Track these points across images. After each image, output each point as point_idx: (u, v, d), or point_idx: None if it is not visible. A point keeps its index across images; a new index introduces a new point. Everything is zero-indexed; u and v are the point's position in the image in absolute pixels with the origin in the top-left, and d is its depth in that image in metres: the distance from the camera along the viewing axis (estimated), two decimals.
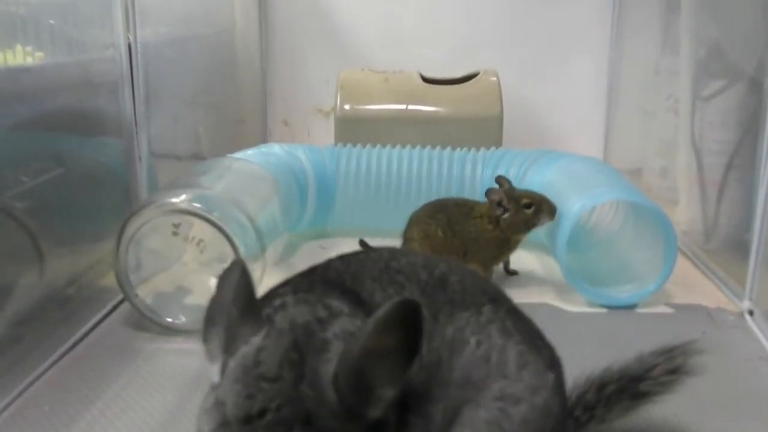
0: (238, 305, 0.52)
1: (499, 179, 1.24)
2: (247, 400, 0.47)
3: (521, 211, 1.20)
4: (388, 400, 0.49)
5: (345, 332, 0.51)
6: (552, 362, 0.63)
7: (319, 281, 0.59)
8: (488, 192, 1.22)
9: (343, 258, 0.64)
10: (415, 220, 1.26)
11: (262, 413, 0.47)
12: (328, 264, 0.63)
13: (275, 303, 0.54)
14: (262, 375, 0.48)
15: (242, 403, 0.47)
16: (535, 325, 0.65)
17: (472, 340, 0.59)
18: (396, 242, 1.31)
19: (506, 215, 1.20)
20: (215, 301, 0.53)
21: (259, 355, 0.49)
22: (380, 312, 0.47)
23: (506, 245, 1.23)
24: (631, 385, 0.71)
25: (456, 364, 0.58)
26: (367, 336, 0.47)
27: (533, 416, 0.58)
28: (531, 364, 0.60)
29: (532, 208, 1.20)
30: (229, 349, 0.51)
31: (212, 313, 0.53)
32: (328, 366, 0.48)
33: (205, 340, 0.53)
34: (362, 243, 1.32)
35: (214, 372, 0.51)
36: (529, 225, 1.21)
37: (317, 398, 0.47)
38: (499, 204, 1.20)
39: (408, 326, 0.47)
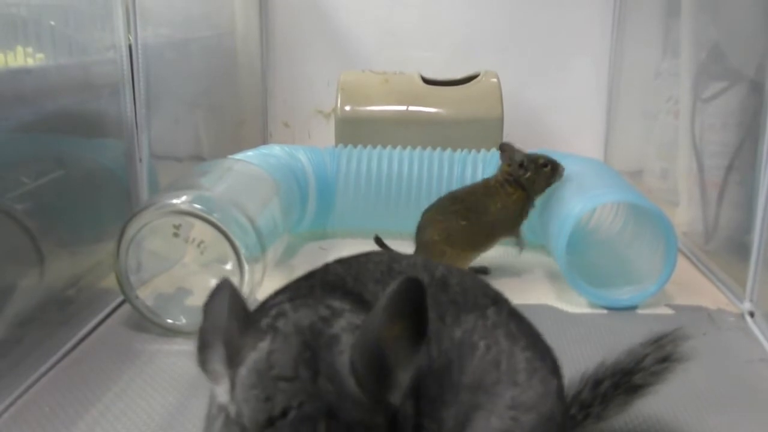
0: (235, 320, 0.50)
1: (504, 146, 1.28)
2: (267, 403, 0.46)
3: (541, 170, 1.25)
4: (406, 384, 0.48)
5: (352, 325, 0.51)
6: (554, 367, 0.63)
7: (319, 285, 0.58)
8: (510, 154, 1.26)
9: (342, 261, 0.64)
10: (428, 223, 1.25)
11: (284, 413, 0.46)
12: (327, 268, 0.63)
13: (272, 312, 0.53)
14: (278, 376, 0.47)
15: (262, 407, 0.46)
16: (534, 327, 0.65)
17: (482, 344, 0.59)
18: (400, 243, 1.31)
19: (528, 175, 1.24)
20: (206, 325, 0.51)
21: (270, 357, 0.48)
22: (390, 292, 0.47)
23: (527, 209, 1.26)
24: (625, 380, 0.72)
25: (467, 368, 0.57)
26: (382, 316, 0.47)
27: (540, 423, 0.58)
28: (538, 371, 0.60)
29: (549, 167, 1.26)
30: (233, 362, 0.49)
31: (205, 337, 0.51)
32: (343, 357, 0.48)
33: (203, 363, 0.50)
34: (378, 241, 1.31)
35: (221, 392, 0.50)
36: (548, 183, 1.27)
37: (338, 391, 0.47)
38: (521, 165, 1.24)
39: (416, 303, 0.47)
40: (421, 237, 1.26)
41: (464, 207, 1.24)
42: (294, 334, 0.49)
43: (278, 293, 0.59)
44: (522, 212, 1.26)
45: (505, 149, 1.28)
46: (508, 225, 1.25)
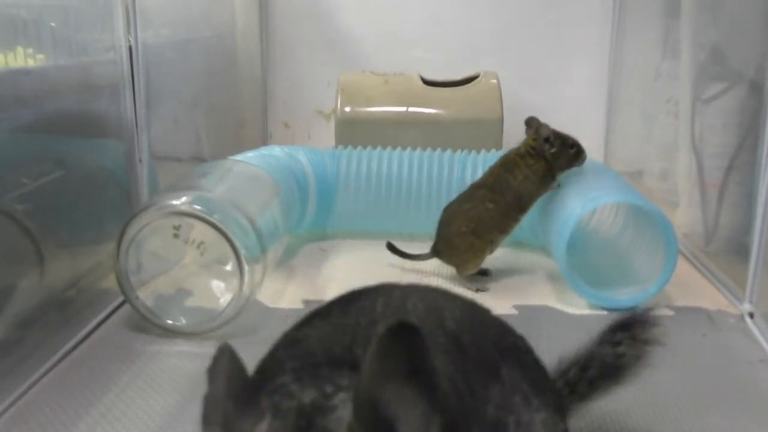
0: (232, 398, 0.46)
1: (531, 120, 1.28)
2: None
3: (566, 149, 1.25)
4: None
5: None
6: (558, 406, 0.63)
7: (326, 364, 0.54)
8: (537, 128, 1.26)
9: (348, 313, 0.58)
10: (453, 216, 1.25)
11: None
12: (335, 329, 0.57)
13: (278, 393, 0.49)
14: None
15: None
16: (533, 354, 0.64)
17: (510, 421, 0.57)
18: (401, 244, 1.31)
19: (553, 150, 1.24)
20: (209, 397, 0.48)
21: None
22: (375, 343, 0.43)
23: (548, 179, 1.26)
24: (610, 371, 0.72)
25: None
26: (371, 363, 0.43)
27: None
28: (551, 428, 0.59)
29: (575, 149, 1.26)
30: None
31: (208, 412, 0.47)
32: (338, 424, 0.44)
33: None
34: (390, 246, 1.32)
35: None
36: (570, 164, 1.26)
37: None
38: (547, 140, 1.24)
39: (409, 348, 0.43)
40: (445, 231, 1.25)
41: (488, 189, 1.24)
42: (292, 411, 0.46)
43: (283, 355, 0.55)
44: (543, 181, 1.26)
45: (532, 123, 1.28)
46: (534, 193, 1.26)
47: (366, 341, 0.53)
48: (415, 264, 1.30)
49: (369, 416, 0.43)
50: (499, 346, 0.62)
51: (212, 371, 0.48)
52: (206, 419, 0.47)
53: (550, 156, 1.25)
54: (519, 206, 1.25)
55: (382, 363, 0.43)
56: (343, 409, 0.45)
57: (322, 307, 0.62)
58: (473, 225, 1.23)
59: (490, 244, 1.25)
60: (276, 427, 0.45)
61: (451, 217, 1.25)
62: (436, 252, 1.27)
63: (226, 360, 0.47)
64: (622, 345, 0.72)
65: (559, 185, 1.27)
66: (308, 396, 0.47)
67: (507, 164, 1.26)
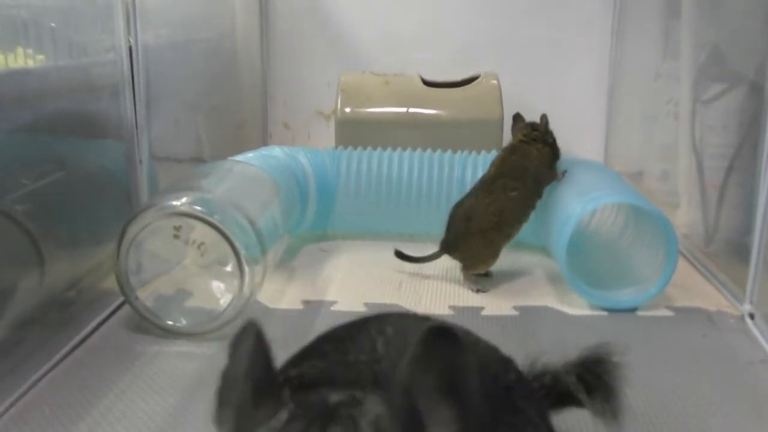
0: (252, 381, 0.43)
1: (518, 116, 1.34)
2: None
3: (555, 141, 1.31)
4: None
5: (380, 398, 0.44)
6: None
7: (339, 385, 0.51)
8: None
9: (346, 352, 0.55)
10: (469, 214, 1.23)
11: None
12: (335, 366, 0.54)
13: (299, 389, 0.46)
14: None
15: None
16: (528, 395, 0.64)
17: None
18: (402, 244, 1.31)
19: (551, 141, 1.30)
20: (227, 375, 0.44)
21: None
22: (418, 339, 0.41)
23: (554, 164, 1.30)
24: (575, 398, 0.70)
25: None
26: (411, 358, 0.41)
27: None
28: None
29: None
30: None
31: (225, 390, 0.44)
32: (364, 415, 0.42)
33: (218, 422, 0.44)
34: (398, 254, 1.31)
35: None
36: (558, 155, 1.32)
37: None
38: (546, 131, 1.30)
39: (448, 351, 0.42)
40: (463, 228, 1.23)
41: (508, 178, 1.24)
42: (315, 403, 0.44)
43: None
44: (552, 166, 1.29)
45: (519, 120, 1.33)
46: (548, 177, 1.29)
47: (373, 377, 0.51)
48: (415, 264, 1.30)
49: (404, 409, 0.41)
50: (497, 398, 0.61)
51: (235, 346, 0.45)
52: (221, 399, 0.44)
53: (551, 144, 1.29)
54: (538, 190, 1.26)
55: (422, 361, 0.41)
56: (370, 404, 0.43)
57: (311, 349, 0.59)
58: (496, 219, 1.22)
59: (507, 239, 1.25)
60: (291, 426, 0.43)
61: (469, 214, 1.23)
62: (446, 249, 1.26)
63: (251, 338, 0.44)
64: (583, 393, 0.69)
65: (564, 174, 1.30)
66: (334, 397, 0.45)
67: (517, 152, 1.28)
